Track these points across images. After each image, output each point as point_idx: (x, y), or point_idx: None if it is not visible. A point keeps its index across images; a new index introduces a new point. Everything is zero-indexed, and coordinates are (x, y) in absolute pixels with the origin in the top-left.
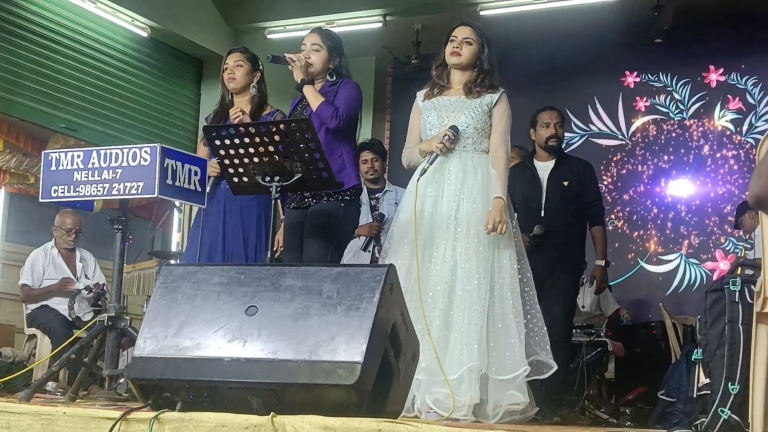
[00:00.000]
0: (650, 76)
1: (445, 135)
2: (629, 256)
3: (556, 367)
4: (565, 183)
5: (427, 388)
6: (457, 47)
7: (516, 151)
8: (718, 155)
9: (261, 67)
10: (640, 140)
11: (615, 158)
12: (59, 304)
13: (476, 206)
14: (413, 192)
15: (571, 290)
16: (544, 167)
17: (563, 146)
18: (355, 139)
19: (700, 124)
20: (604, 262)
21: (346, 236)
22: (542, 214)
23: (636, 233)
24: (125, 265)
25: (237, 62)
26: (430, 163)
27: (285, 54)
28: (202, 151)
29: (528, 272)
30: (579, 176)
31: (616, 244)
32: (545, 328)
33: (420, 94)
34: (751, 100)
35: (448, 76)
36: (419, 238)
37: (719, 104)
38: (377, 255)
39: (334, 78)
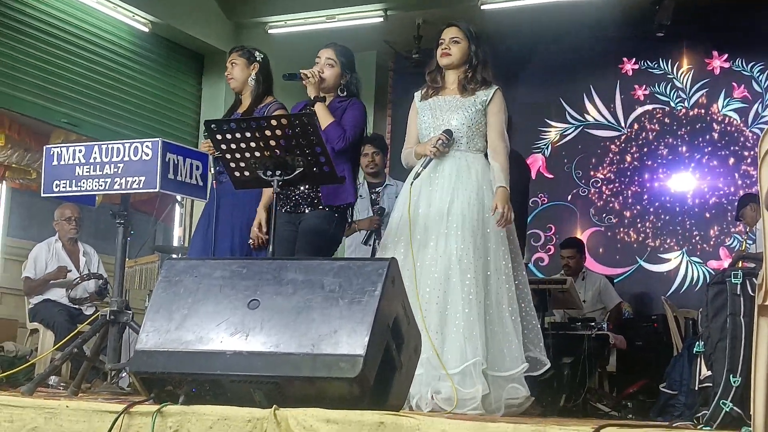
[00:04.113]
0: (650, 63)
1: (439, 139)
2: (627, 254)
3: (549, 365)
4: None
5: (427, 382)
6: (446, 48)
7: None
8: (722, 147)
9: (258, 59)
10: (638, 131)
11: (612, 150)
12: (62, 298)
13: (471, 203)
14: (407, 194)
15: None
16: None
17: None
18: (358, 159)
19: (703, 113)
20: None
21: (332, 251)
22: None
23: (634, 230)
24: (127, 259)
25: (232, 62)
26: (424, 167)
27: (300, 70)
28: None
29: (522, 270)
30: None
31: (613, 241)
32: (539, 326)
33: (417, 95)
34: (757, 88)
35: (443, 77)
36: (413, 238)
37: (723, 92)
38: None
39: (345, 94)
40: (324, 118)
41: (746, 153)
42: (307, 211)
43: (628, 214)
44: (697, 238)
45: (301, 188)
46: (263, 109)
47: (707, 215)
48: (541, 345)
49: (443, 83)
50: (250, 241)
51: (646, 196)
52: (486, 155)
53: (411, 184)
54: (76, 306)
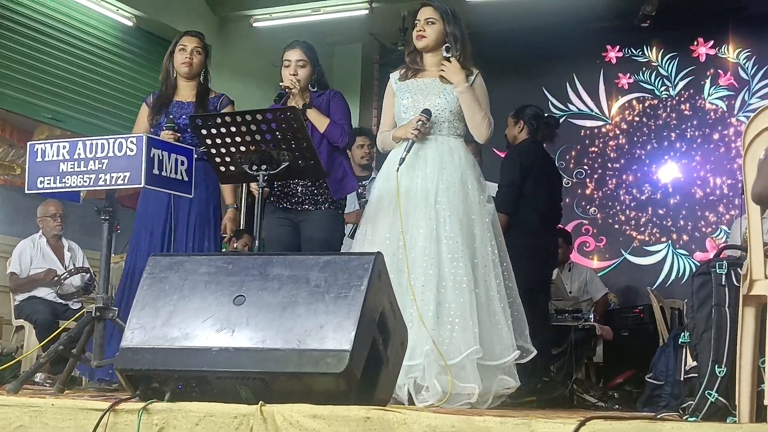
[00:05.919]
0: (633, 51)
1: (419, 120)
2: (612, 247)
3: (534, 353)
4: None
5: (430, 371)
6: (421, 30)
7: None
8: (708, 135)
9: (209, 58)
10: (622, 121)
11: (595, 140)
12: (48, 294)
13: (456, 191)
14: (393, 180)
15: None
16: None
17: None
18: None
19: (688, 102)
20: None
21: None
22: None
23: (618, 222)
24: (113, 255)
25: (196, 48)
26: (407, 151)
27: (282, 86)
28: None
29: (506, 256)
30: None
31: (598, 233)
32: (524, 314)
33: (394, 76)
34: (743, 75)
35: (422, 59)
36: (397, 217)
37: (709, 80)
38: None
39: (316, 88)
40: (320, 121)
41: (732, 142)
42: (311, 209)
43: (611, 205)
44: (684, 229)
45: (302, 184)
46: (214, 101)
47: (693, 206)
48: (526, 334)
49: (422, 65)
50: (226, 234)
51: (630, 187)
52: (465, 140)
53: (397, 170)
54: (63, 302)
